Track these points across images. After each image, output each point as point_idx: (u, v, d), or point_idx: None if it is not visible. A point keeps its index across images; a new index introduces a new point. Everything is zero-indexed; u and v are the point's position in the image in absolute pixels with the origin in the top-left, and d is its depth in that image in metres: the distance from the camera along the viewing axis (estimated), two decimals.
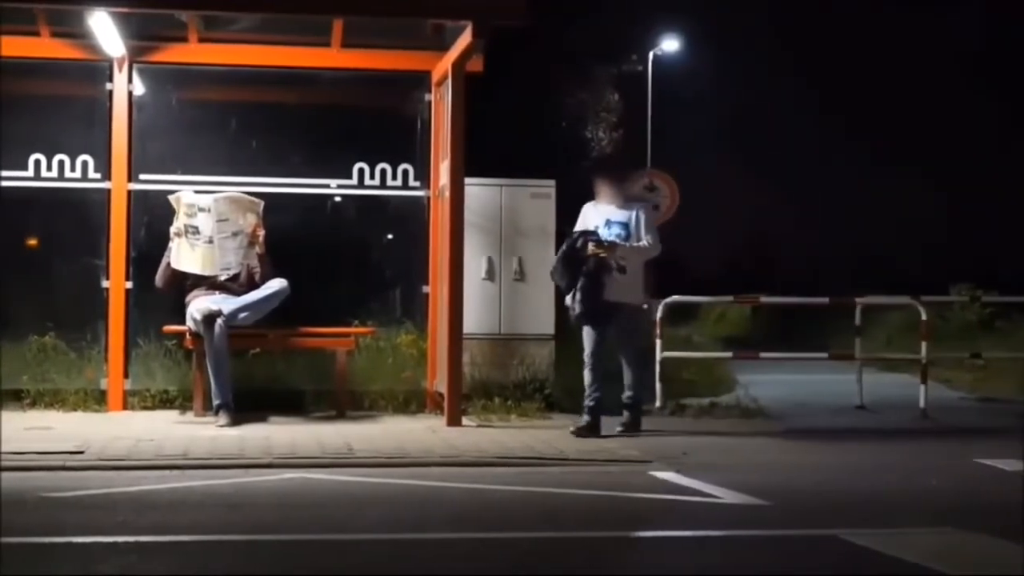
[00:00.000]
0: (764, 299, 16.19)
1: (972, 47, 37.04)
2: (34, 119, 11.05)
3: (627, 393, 10.13)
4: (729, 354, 15.59)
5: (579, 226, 10.09)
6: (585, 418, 9.82)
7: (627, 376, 10.13)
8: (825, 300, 14.16)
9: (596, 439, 9.55)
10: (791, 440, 10.31)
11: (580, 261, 9.84)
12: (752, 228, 44.28)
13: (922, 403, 12.23)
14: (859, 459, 9.38)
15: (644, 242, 9.97)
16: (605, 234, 9.92)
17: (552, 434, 9.68)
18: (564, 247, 10.01)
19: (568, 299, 10.01)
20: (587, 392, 9.91)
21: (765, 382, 14.24)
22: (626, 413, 10.14)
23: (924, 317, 12.64)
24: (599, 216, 10.05)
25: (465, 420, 10.17)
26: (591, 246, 9.81)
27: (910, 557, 5.64)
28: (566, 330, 11.20)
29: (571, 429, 9.72)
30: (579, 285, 9.84)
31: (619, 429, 9.98)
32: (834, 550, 5.90)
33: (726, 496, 7.33)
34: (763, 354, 14.80)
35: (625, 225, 9.99)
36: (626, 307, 10.00)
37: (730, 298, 16.54)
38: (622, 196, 10.16)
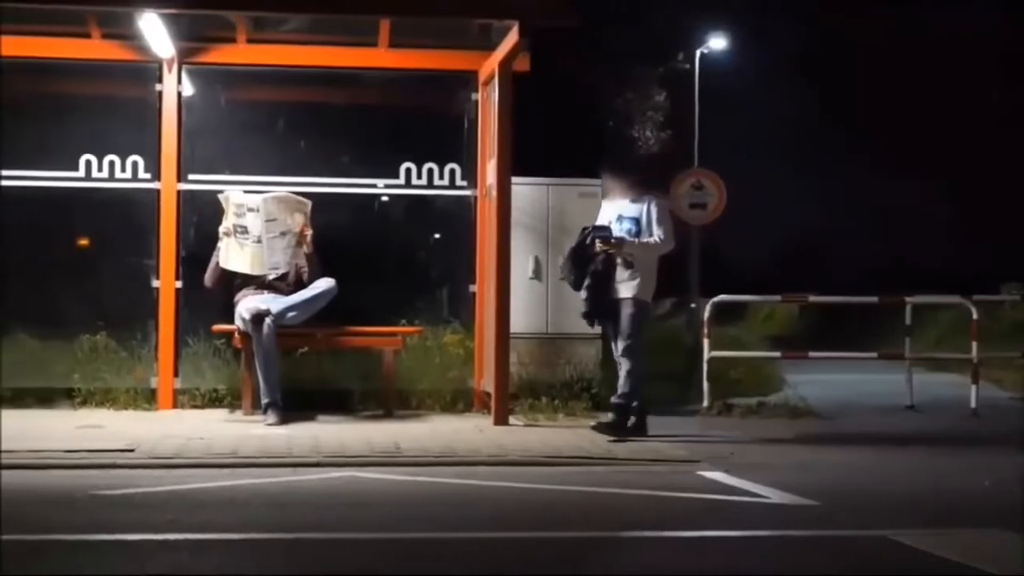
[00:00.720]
0: (812, 298, 16.12)
1: (999, 48, 36.69)
2: (85, 120, 11.15)
3: (617, 392, 9.65)
4: (777, 354, 15.55)
5: (598, 222, 9.93)
6: (632, 418, 9.75)
7: (620, 375, 9.69)
8: (874, 299, 14.05)
9: (643, 439, 9.49)
10: (840, 440, 10.25)
11: (588, 258, 9.63)
12: (802, 227, 44.04)
13: (973, 403, 12.15)
14: (909, 459, 9.32)
15: (654, 237, 9.64)
16: (617, 229, 9.68)
17: (598, 433, 9.65)
18: (574, 243, 9.83)
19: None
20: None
21: (813, 382, 14.18)
22: (610, 414, 9.62)
23: (975, 316, 12.54)
24: (612, 211, 9.83)
25: (512, 419, 10.18)
26: (598, 243, 9.60)
27: (960, 558, 5.60)
28: None
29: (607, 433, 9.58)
30: (586, 283, 9.64)
31: (591, 425, 9.58)
32: (883, 550, 5.86)
33: (774, 496, 7.30)
34: (811, 353, 14.74)
35: (636, 220, 9.69)
36: (628, 301, 9.60)
37: (778, 297, 16.48)
38: (629, 190, 9.82)
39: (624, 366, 9.63)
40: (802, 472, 8.31)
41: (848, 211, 42.90)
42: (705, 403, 11.94)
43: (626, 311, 9.61)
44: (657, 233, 9.65)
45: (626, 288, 9.64)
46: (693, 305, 16.93)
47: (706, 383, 12.03)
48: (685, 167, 17.91)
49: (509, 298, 10.25)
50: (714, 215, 14.26)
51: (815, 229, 43.62)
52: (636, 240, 9.64)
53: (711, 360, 12.14)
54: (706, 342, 12.22)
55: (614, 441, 9.26)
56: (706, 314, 12.42)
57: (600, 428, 9.48)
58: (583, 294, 9.70)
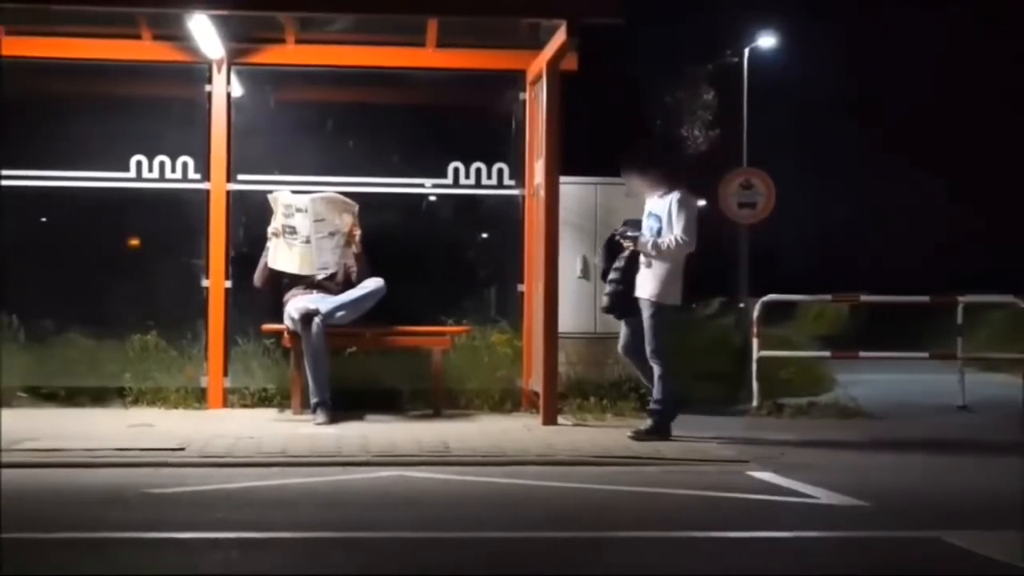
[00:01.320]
0: (864, 298, 16.02)
1: None
2: (135, 121, 11.24)
3: (651, 398, 9.55)
4: (827, 353, 15.45)
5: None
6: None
7: (653, 380, 9.51)
8: (926, 299, 13.95)
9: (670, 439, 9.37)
10: (890, 440, 10.19)
11: (617, 251, 9.61)
12: (853, 226, 43.80)
13: None
14: (960, 460, 9.26)
15: (670, 238, 9.33)
16: (645, 227, 9.52)
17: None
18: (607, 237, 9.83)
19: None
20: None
21: (864, 382, 14.09)
22: (648, 420, 9.47)
23: None
24: (647, 207, 9.68)
25: (560, 419, 10.18)
26: (618, 238, 9.58)
27: (1010, 558, 5.57)
28: None
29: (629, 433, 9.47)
30: (610, 277, 9.60)
31: (629, 435, 9.33)
32: (934, 551, 5.83)
33: (824, 496, 7.28)
34: (862, 353, 14.64)
35: (659, 217, 9.47)
36: (646, 302, 9.41)
37: (828, 297, 16.39)
38: (651, 186, 9.59)
39: (655, 371, 9.47)
40: (852, 472, 8.28)
41: (900, 210, 42.59)
42: (754, 403, 11.91)
43: (645, 313, 9.44)
44: (676, 232, 9.36)
45: (644, 288, 9.46)
46: (742, 305, 16.84)
47: (755, 383, 11.99)
48: (734, 166, 17.85)
49: (557, 297, 10.26)
50: (763, 214, 14.20)
51: (866, 228, 43.37)
52: (652, 239, 9.42)
53: (760, 360, 12.10)
54: (755, 342, 12.18)
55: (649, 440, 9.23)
56: (755, 314, 12.38)
57: (640, 436, 9.28)
58: (606, 287, 9.70)
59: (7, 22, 10.72)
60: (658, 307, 9.42)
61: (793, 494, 7.41)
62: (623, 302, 9.57)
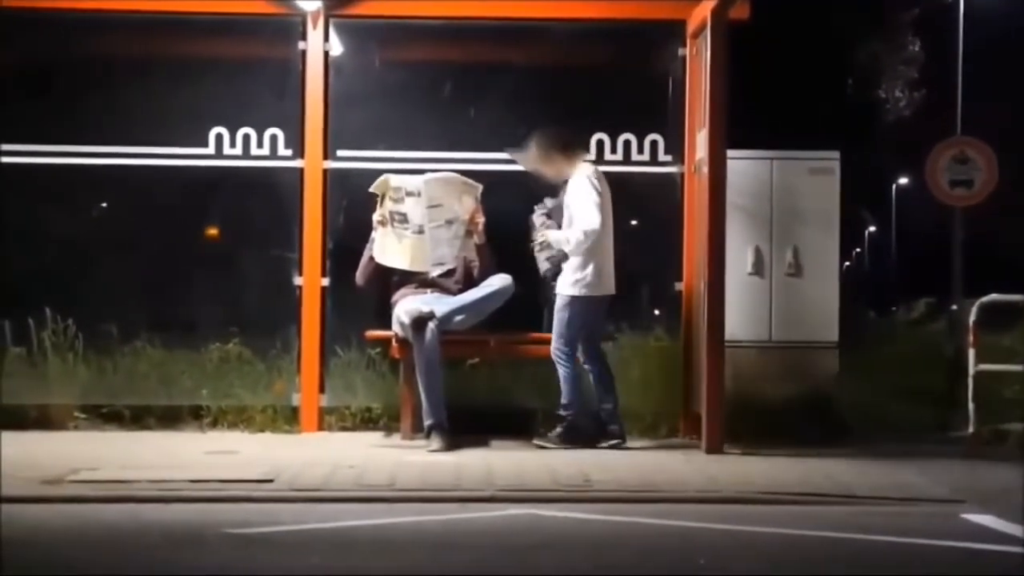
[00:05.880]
0: None
1: None
2: (215, 86, 11.36)
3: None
4: None
5: None
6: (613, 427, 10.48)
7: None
8: None
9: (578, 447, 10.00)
10: None
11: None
12: None
13: None
14: None
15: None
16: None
17: (836, 465, 9.59)
18: None
19: None
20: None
21: None
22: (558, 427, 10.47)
23: None
24: None
25: (727, 447, 10.15)
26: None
27: None
28: (853, 336, 11.01)
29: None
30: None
31: (534, 441, 10.35)
32: None
33: None
34: None
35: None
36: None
37: None
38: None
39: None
40: None
41: None
42: (970, 428, 11.74)
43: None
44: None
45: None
46: (955, 307, 16.64)
47: (971, 404, 11.81)
48: (946, 135, 17.61)
49: (724, 298, 10.24)
50: (982, 195, 14.02)
51: None
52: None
53: (978, 375, 11.91)
54: (971, 353, 12.00)
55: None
56: (971, 318, 12.20)
57: (546, 443, 10.23)
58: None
59: None
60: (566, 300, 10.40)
61: (1021, 543, 7.30)
62: None
